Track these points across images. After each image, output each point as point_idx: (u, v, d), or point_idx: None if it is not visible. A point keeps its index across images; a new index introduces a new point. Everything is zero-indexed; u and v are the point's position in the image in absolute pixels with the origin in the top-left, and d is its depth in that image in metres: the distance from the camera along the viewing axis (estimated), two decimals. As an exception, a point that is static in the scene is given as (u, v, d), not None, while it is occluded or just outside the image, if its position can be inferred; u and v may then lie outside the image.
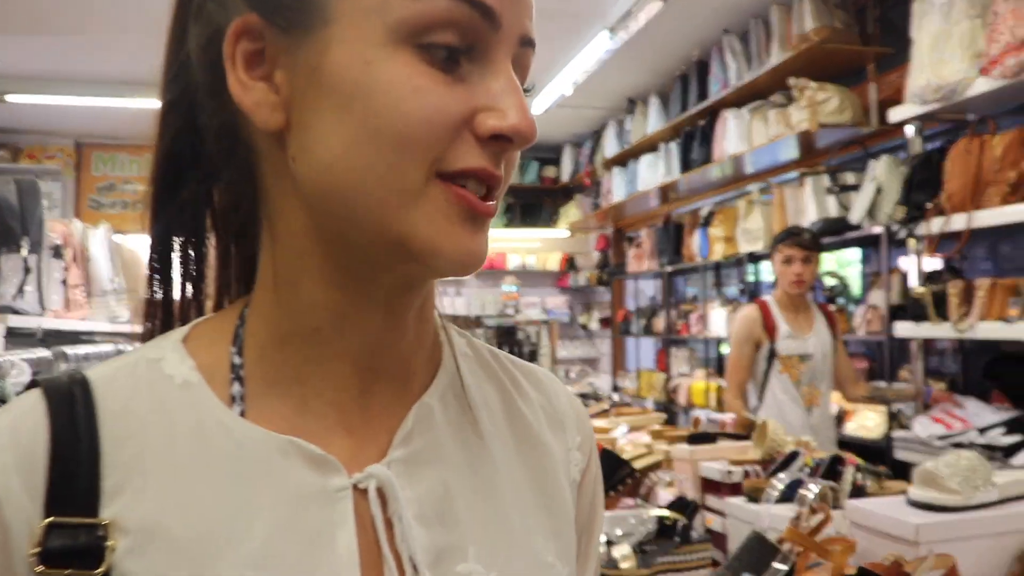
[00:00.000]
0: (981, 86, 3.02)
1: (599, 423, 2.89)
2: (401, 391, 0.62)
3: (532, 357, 4.80)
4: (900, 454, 3.25)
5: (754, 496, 1.93)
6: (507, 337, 4.93)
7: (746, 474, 2.12)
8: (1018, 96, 3.13)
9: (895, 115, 3.43)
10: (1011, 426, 2.95)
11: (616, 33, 4.86)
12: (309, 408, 0.59)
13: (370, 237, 0.54)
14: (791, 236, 3.41)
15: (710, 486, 2.21)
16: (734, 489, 2.10)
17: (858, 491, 1.86)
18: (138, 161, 7.59)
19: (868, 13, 4.27)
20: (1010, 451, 2.82)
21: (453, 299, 8.23)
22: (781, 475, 1.74)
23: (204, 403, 0.57)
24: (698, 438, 2.36)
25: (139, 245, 4.57)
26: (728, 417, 2.55)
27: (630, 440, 2.71)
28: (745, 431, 2.40)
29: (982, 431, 3.00)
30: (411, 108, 0.51)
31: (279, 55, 0.55)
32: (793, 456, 1.96)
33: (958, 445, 2.98)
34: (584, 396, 3.28)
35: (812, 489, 1.54)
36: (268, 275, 0.60)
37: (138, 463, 0.54)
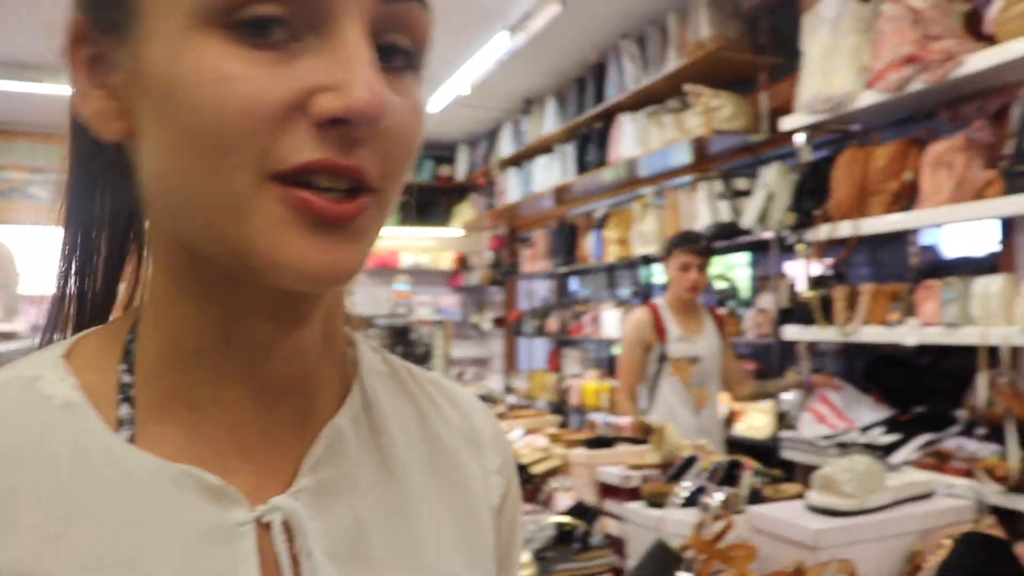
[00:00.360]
0: (866, 99, 3.13)
1: (496, 426, 2.86)
2: (307, 413, 0.55)
3: (426, 358, 4.74)
4: (787, 454, 3.34)
5: (654, 501, 1.93)
6: (400, 338, 4.85)
7: (644, 479, 2.12)
8: (900, 109, 3.25)
9: (786, 124, 3.52)
10: (890, 425, 3.06)
11: (515, 34, 4.85)
12: (204, 434, 0.52)
13: (214, 250, 0.47)
14: (688, 242, 3.45)
15: (609, 491, 2.21)
16: (632, 494, 2.10)
17: (755, 495, 1.88)
18: (9, 147, 7.14)
19: (760, 24, 4.38)
20: (889, 449, 2.92)
21: (349, 298, 8.07)
22: (686, 482, 1.74)
23: (88, 427, 0.50)
24: (596, 442, 2.36)
25: (8, 237, 4.29)
26: (625, 421, 2.56)
27: (527, 443, 2.69)
28: (642, 435, 2.41)
29: (864, 430, 3.11)
30: (221, 101, 0.43)
31: (112, 58, 0.49)
32: (691, 460, 1.97)
33: (842, 445, 3.08)
34: (479, 399, 3.23)
35: (716, 497, 1.55)
36: (150, 289, 0.53)
37: (9, 497, 0.47)
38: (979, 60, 2.74)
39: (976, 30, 2.87)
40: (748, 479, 1.77)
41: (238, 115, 0.43)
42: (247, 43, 0.44)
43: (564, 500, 2.20)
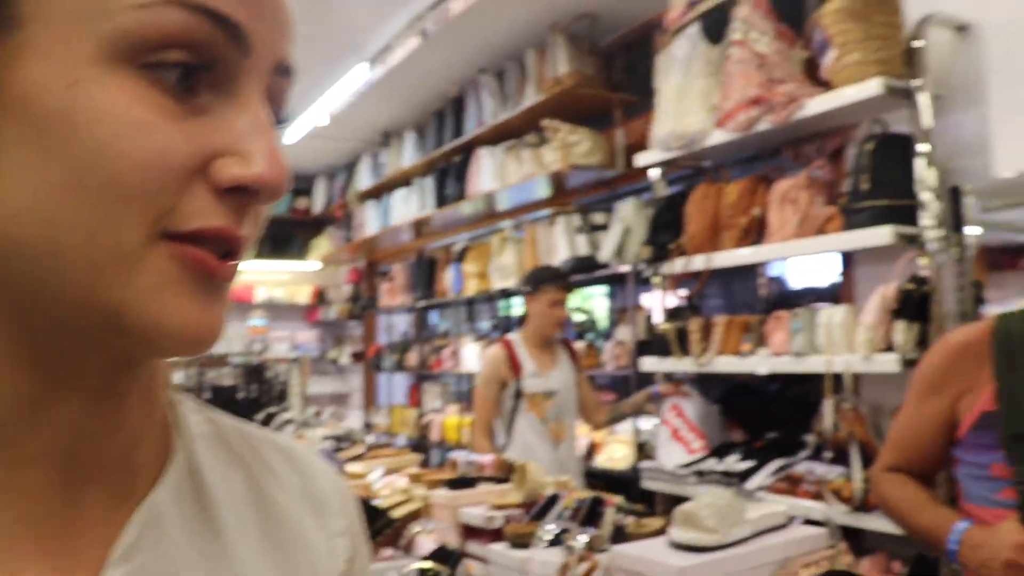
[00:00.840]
0: (717, 137, 3.23)
1: (354, 467, 2.76)
2: (122, 493, 0.48)
3: (282, 397, 4.58)
4: (648, 484, 3.37)
5: (518, 541, 1.89)
6: (255, 376, 4.67)
7: (508, 519, 2.08)
8: (748, 148, 3.38)
9: (641, 160, 3.60)
10: (745, 452, 3.15)
11: (375, 65, 4.79)
12: None
13: (71, 309, 0.41)
14: (558, 278, 3.51)
15: (472, 532, 2.15)
16: (496, 535, 2.05)
17: (618, 532, 1.87)
18: None
19: (616, 61, 4.48)
20: (745, 476, 3.00)
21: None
22: (549, 524, 1.71)
23: None
24: (458, 482, 2.30)
25: None
26: (487, 459, 2.52)
27: (387, 484, 2.60)
28: (504, 473, 2.37)
29: (720, 458, 3.18)
30: (129, 148, 0.39)
31: None
32: (554, 499, 1.95)
33: (700, 473, 3.14)
34: (338, 439, 3.13)
35: (580, 539, 1.52)
36: None
37: None
38: (817, 104, 2.88)
39: (814, 75, 3.02)
40: (611, 516, 1.76)
41: (148, 168, 0.40)
42: (158, 89, 0.41)
43: (427, 544, 2.13)
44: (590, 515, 1.92)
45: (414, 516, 2.25)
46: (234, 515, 0.53)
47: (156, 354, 0.46)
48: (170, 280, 0.42)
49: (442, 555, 1.97)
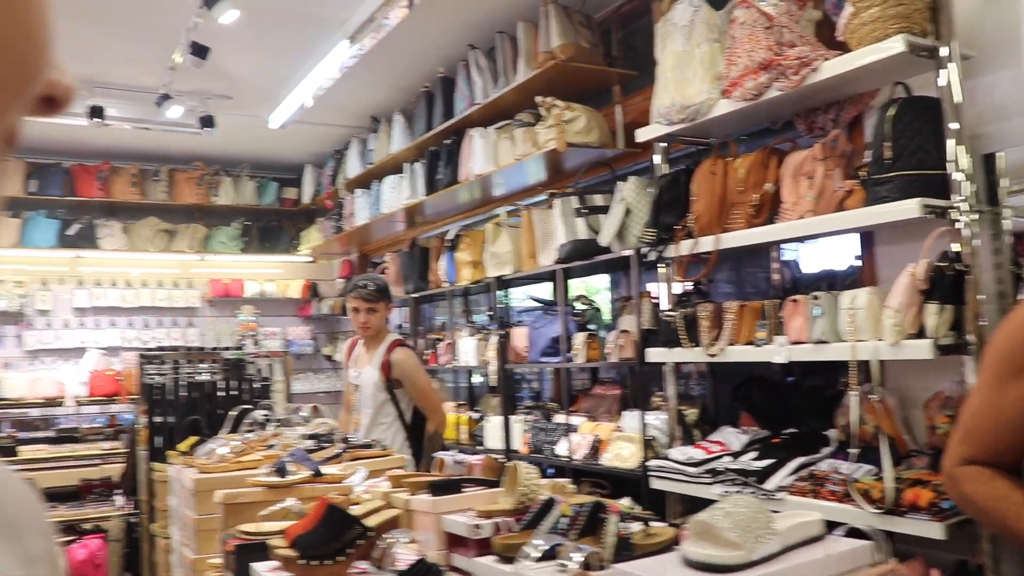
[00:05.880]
0: (723, 107, 2.99)
1: (331, 470, 2.51)
2: None
3: (264, 393, 4.34)
4: (656, 483, 3.12)
5: (507, 554, 1.64)
6: (235, 371, 4.43)
7: (497, 527, 1.82)
8: (757, 119, 3.13)
9: (642, 135, 3.34)
10: (763, 450, 2.88)
11: (357, 43, 4.53)
12: None
13: None
14: (356, 288, 3.93)
15: (457, 542, 1.90)
16: (483, 545, 1.80)
17: (623, 543, 1.61)
18: None
19: (612, 35, 4.23)
20: (763, 476, 2.74)
21: (184, 330, 7.50)
22: (538, 540, 1.46)
23: None
24: (442, 486, 2.04)
25: None
26: (476, 459, 2.26)
27: (369, 488, 2.35)
28: (495, 475, 2.12)
29: (735, 456, 2.92)
30: None
31: None
32: (549, 505, 1.69)
33: (713, 472, 2.88)
34: (317, 437, 2.88)
35: (575, 558, 1.27)
36: None
37: None
38: (833, 67, 2.64)
39: (828, 37, 2.77)
40: (613, 526, 1.50)
41: None
42: None
43: (405, 556, 1.88)
44: (590, 524, 1.66)
45: (392, 524, 2.00)
46: None
47: None
48: None
49: (421, 569, 1.72)
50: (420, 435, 3.89)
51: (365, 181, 6.26)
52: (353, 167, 6.41)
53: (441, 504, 1.94)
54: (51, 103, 0.49)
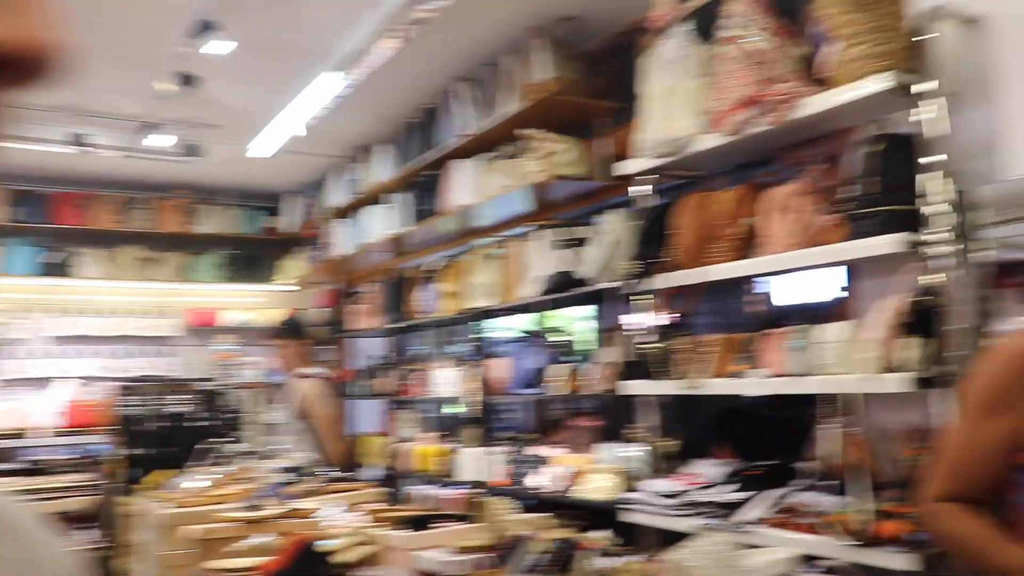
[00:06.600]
0: (708, 142, 3.00)
1: (307, 504, 2.46)
2: None
3: (234, 425, 4.29)
4: (630, 516, 3.08)
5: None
6: (210, 402, 4.39)
7: (474, 564, 1.79)
8: (741, 153, 3.14)
9: (626, 168, 3.35)
10: (741, 482, 2.86)
11: (347, 74, 4.53)
12: None
13: None
14: (272, 330, 4.32)
15: (431, 578, 1.86)
16: (459, 583, 1.77)
17: (599, 581, 1.58)
18: None
19: (601, 68, 4.25)
20: (739, 508, 2.71)
21: (165, 359, 7.41)
22: None
23: None
24: (419, 521, 2.01)
25: None
26: (449, 492, 2.23)
27: (348, 523, 2.31)
28: (470, 509, 2.09)
29: (712, 488, 2.90)
30: None
31: None
32: (522, 541, 1.66)
33: (688, 504, 2.85)
34: (295, 471, 2.83)
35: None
36: None
37: None
38: (818, 102, 2.64)
39: (811, 75, 2.78)
40: (583, 564, 1.47)
41: None
42: None
43: (379, 593, 1.84)
44: (566, 559, 1.63)
45: (366, 561, 1.96)
46: None
47: None
48: None
49: (394, 608, 1.69)
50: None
51: (349, 210, 6.24)
52: (337, 196, 6.39)
53: (416, 540, 1.91)
54: (20, 68, 0.39)
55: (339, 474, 3.02)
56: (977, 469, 1.49)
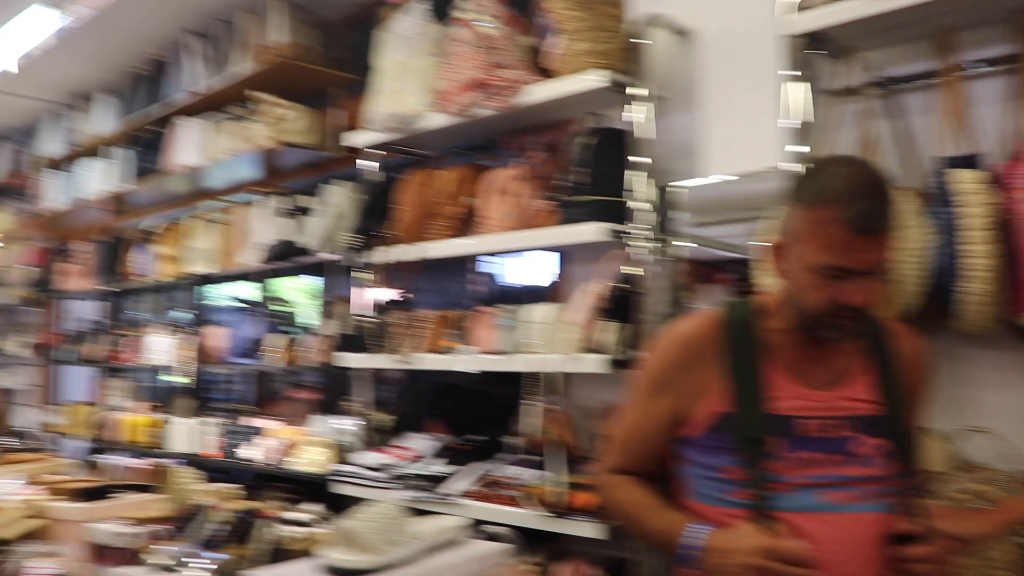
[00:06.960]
0: (435, 120, 3.05)
1: (-28, 475, 2.25)
2: None
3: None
4: (340, 488, 3.08)
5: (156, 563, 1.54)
6: None
7: (152, 535, 1.72)
8: (467, 135, 3.21)
9: (355, 141, 3.33)
10: (450, 456, 2.95)
11: (63, 12, 4.15)
12: None
13: None
14: None
15: (105, 554, 1.76)
16: (134, 557, 1.69)
17: (277, 550, 1.57)
18: None
19: (339, 38, 4.17)
20: (443, 480, 2.79)
21: None
22: (176, 548, 1.38)
23: None
24: (95, 492, 1.89)
25: None
26: (139, 463, 2.12)
27: (18, 495, 2.13)
28: (155, 480, 2.00)
29: (421, 461, 2.96)
30: None
31: None
32: (200, 511, 1.61)
33: (396, 477, 2.90)
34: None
35: (202, 564, 1.21)
36: None
37: None
38: (540, 91, 2.75)
39: (535, 65, 2.89)
40: (262, 532, 1.46)
41: None
42: None
43: (43, 570, 1.71)
44: (245, 529, 1.60)
45: (31, 536, 1.82)
46: None
47: None
48: None
49: (53, 584, 1.58)
50: None
51: (64, 162, 5.74)
52: (50, 145, 5.86)
53: (89, 512, 1.80)
54: None
55: (18, 444, 2.78)
56: (643, 445, 1.63)
